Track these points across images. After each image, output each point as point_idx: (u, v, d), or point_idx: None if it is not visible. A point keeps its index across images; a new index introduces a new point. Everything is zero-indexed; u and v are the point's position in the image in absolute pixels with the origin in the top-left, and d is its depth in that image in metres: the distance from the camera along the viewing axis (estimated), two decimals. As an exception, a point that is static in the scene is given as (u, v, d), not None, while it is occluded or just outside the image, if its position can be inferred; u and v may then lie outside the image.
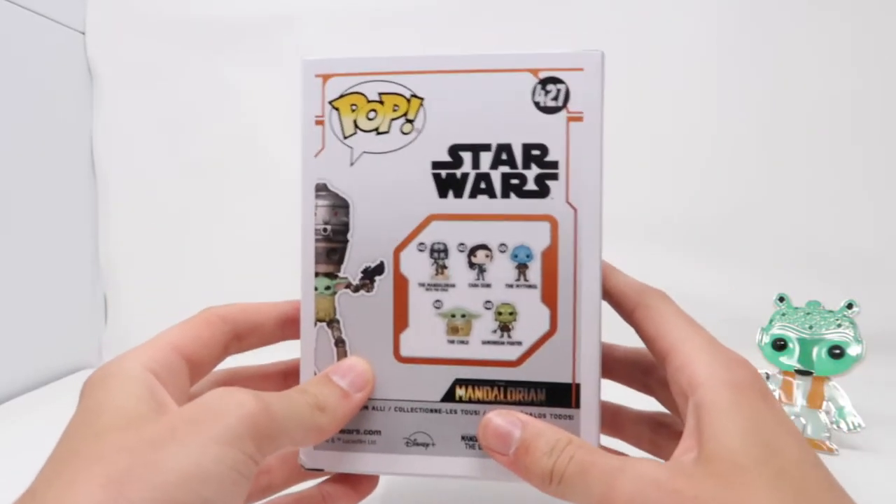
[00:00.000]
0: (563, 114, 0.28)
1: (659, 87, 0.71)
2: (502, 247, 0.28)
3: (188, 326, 0.28)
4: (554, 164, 0.28)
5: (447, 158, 0.28)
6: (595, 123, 0.28)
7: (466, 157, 0.28)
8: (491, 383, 0.28)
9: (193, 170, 0.77)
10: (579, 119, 0.28)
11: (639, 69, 0.72)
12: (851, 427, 0.47)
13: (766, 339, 0.51)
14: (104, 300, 0.78)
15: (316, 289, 0.29)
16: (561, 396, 0.28)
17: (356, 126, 0.29)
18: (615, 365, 0.33)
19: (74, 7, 0.74)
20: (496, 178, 0.28)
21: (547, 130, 0.28)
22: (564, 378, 0.28)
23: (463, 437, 0.29)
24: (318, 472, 0.30)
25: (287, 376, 0.33)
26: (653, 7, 0.74)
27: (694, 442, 0.23)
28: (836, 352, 0.48)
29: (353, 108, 0.29)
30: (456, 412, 0.29)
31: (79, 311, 0.75)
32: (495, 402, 0.28)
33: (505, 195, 0.28)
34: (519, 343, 0.28)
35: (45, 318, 0.68)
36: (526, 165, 0.28)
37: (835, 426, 0.47)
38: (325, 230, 0.29)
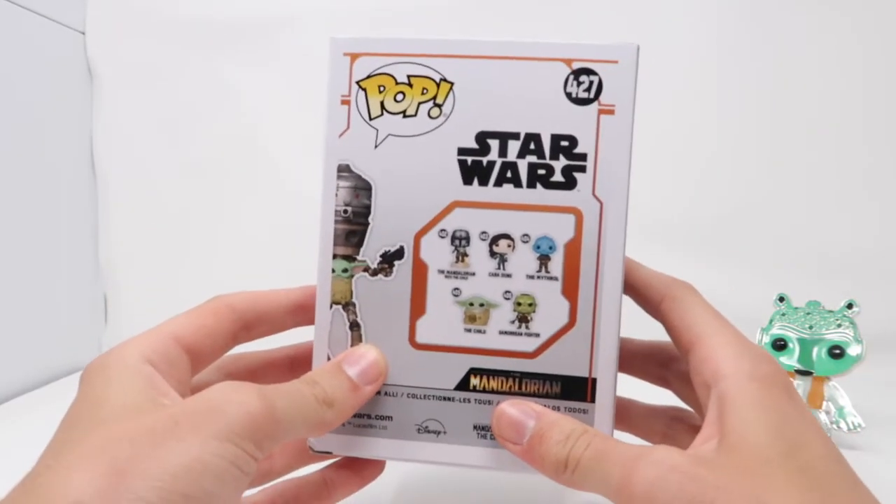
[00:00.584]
0: (594, 106, 0.27)
1: (659, 86, 0.71)
2: (525, 237, 0.28)
3: (193, 316, 0.28)
4: (582, 157, 0.28)
5: (474, 145, 0.28)
6: (626, 117, 0.27)
7: (494, 144, 0.28)
8: (506, 374, 0.28)
9: (193, 170, 0.77)
10: (611, 112, 0.27)
11: (638, 69, 0.71)
12: (851, 427, 0.47)
13: (766, 339, 0.51)
14: (104, 300, 0.78)
15: (333, 271, 0.29)
16: (576, 390, 0.28)
17: (383, 108, 0.28)
18: (631, 358, 0.32)
19: (74, 7, 0.74)
20: (523, 167, 0.28)
21: (577, 122, 0.28)
22: (581, 372, 0.28)
23: (475, 427, 0.28)
24: (326, 454, 0.30)
25: (293, 362, 0.32)
26: (652, 6, 0.74)
27: (715, 431, 0.23)
28: (836, 352, 0.48)
29: (381, 89, 0.28)
30: (469, 401, 0.28)
31: (79, 311, 0.74)
32: (510, 392, 0.28)
33: (531, 185, 0.28)
34: (537, 335, 0.28)
35: (45, 318, 0.68)
36: (554, 156, 0.28)
37: (835, 426, 0.48)
38: (345, 212, 0.29)
